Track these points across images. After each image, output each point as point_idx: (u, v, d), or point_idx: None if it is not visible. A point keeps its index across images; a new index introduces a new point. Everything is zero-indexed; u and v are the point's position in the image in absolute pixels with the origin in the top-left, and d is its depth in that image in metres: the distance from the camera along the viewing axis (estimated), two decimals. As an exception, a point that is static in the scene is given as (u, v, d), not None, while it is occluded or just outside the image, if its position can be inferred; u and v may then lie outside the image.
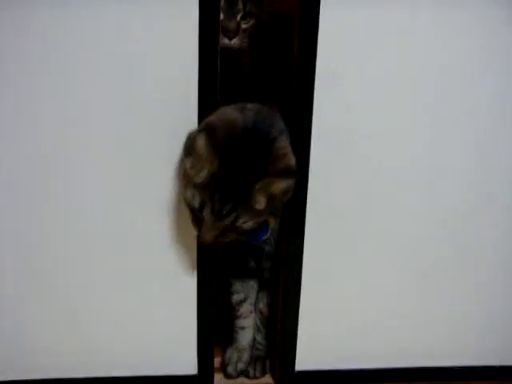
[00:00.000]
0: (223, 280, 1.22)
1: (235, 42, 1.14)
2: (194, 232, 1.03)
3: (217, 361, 1.25)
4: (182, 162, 0.98)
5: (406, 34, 0.99)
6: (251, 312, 1.26)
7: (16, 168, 1.01)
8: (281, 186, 0.91)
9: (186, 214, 0.99)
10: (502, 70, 1.04)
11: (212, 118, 0.93)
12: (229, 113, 0.94)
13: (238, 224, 0.92)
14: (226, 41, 1.12)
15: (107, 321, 1.15)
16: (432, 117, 1.06)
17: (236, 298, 1.24)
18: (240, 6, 1.15)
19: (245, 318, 1.25)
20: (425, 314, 1.21)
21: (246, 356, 1.26)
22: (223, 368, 1.25)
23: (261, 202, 0.91)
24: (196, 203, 0.91)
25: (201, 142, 0.88)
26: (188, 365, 1.19)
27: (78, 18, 0.94)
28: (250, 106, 0.96)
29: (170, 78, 0.97)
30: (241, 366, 1.25)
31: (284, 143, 0.94)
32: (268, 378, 1.26)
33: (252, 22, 1.16)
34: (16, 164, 1.01)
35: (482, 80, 1.04)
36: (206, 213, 0.91)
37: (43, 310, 1.13)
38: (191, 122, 0.98)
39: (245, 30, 1.16)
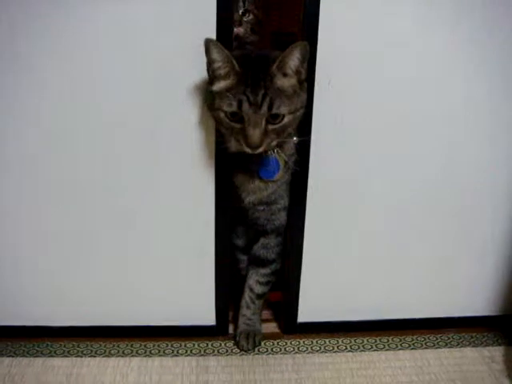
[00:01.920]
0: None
1: (240, 30, 1.37)
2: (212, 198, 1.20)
3: (230, 314, 1.40)
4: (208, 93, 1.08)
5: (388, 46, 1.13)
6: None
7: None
8: (293, 61, 1.00)
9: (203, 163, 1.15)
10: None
11: None
12: None
13: (274, 110, 0.99)
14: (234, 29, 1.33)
15: (142, 278, 1.31)
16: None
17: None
18: (241, 3, 1.38)
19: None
20: (415, 273, 1.36)
21: (258, 325, 1.38)
22: (237, 343, 1.35)
23: (283, 81, 1.00)
24: (234, 105, 0.99)
25: (213, 47, 0.99)
26: (207, 317, 1.36)
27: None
28: None
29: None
30: (257, 339, 1.35)
31: None
32: (275, 328, 1.41)
33: (251, 16, 1.39)
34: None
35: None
36: (245, 108, 0.98)
37: (74, 266, 1.28)
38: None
39: (246, 22, 1.39)
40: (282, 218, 1.27)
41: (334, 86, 1.14)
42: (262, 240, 1.31)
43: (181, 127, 1.15)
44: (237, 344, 1.35)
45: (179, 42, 1.08)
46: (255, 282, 1.34)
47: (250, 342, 1.34)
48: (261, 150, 1.02)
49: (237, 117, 1.01)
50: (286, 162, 1.16)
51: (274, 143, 1.04)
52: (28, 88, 1.11)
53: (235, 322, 1.39)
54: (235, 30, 1.37)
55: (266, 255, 1.32)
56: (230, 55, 0.99)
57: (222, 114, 1.02)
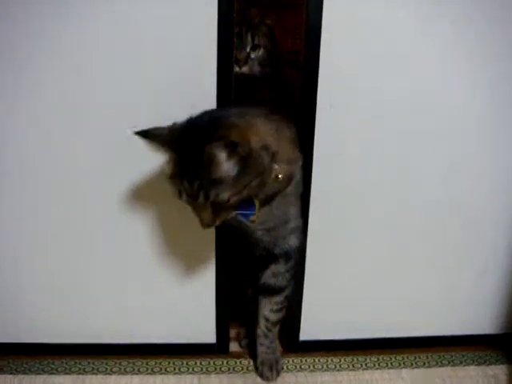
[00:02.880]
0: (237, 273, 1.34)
1: (245, 69, 1.28)
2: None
3: (233, 332, 1.41)
4: None
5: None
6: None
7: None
8: (218, 152, 0.90)
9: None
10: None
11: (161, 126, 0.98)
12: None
13: (212, 198, 0.92)
14: (237, 69, 1.24)
15: (143, 296, 1.31)
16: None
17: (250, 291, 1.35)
18: (249, 39, 1.28)
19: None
20: (418, 291, 1.35)
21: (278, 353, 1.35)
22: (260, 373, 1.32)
23: (216, 171, 0.91)
24: (176, 194, 0.96)
25: (153, 147, 0.95)
26: (208, 335, 1.36)
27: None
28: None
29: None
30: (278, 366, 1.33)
31: (242, 119, 0.96)
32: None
33: (261, 51, 1.29)
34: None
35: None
36: (184, 198, 0.95)
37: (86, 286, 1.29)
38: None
39: (254, 59, 1.29)
40: (290, 241, 1.19)
41: (336, 104, 1.15)
42: (271, 267, 1.22)
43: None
44: (260, 375, 1.32)
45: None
46: (269, 311, 1.27)
47: (273, 372, 1.31)
48: (218, 224, 0.99)
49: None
50: (263, 203, 1.05)
51: (233, 214, 1.00)
52: (27, 88, 1.12)
53: (252, 347, 1.38)
54: (242, 69, 1.28)
55: (277, 283, 1.24)
56: (165, 145, 0.95)
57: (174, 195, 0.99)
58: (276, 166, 1.00)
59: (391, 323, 1.39)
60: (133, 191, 1.21)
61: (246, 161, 0.92)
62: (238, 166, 0.92)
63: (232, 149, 0.90)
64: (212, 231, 1.24)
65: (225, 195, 0.92)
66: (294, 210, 1.18)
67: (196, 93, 1.10)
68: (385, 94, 1.16)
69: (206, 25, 1.06)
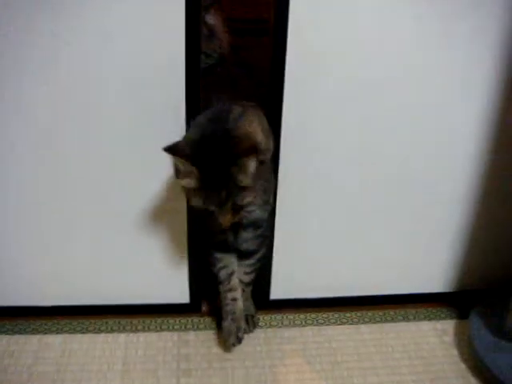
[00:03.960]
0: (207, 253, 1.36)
1: None
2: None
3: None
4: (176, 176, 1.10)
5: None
6: (238, 284, 1.36)
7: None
8: (251, 163, 1.01)
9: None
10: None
11: (179, 140, 1.08)
12: (191, 131, 1.10)
13: (238, 203, 1.04)
14: None
15: (128, 262, 1.42)
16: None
17: (225, 272, 1.34)
18: None
19: (235, 290, 1.35)
20: (375, 254, 1.47)
21: (242, 323, 1.35)
22: (225, 340, 1.35)
23: (245, 180, 1.02)
24: (200, 203, 1.05)
25: (178, 162, 1.04)
26: (182, 295, 1.48)
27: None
28: (207, 112, 1.13)
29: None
30: (241, 334, 1.34)
31: (244, 124, 1.07)
32: (248, 305, 1.53)
33: None
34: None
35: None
36: (211, 207, 1.05)
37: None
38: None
39: None
40: (256, 213, 1.26)
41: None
42: (241, 233, 1.31)
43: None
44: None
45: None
46: (242, 273, 1.36)
47: (250, 325, 1.43)
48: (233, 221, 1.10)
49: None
50: None
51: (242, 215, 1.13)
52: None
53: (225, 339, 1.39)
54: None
55: (247, 248, 1.33)
56: (188, 162, 1.02)
57: (192, 202, 1.08)
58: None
59: (352, 283, 1.52)
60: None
61: (261, 165, 1.06)
62: (256, 170, 1.04)
63: (257, 157, 1.03)
64: (184, 206, 1.33)
65: (249, 198, 1.06)
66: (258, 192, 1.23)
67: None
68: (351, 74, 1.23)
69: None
